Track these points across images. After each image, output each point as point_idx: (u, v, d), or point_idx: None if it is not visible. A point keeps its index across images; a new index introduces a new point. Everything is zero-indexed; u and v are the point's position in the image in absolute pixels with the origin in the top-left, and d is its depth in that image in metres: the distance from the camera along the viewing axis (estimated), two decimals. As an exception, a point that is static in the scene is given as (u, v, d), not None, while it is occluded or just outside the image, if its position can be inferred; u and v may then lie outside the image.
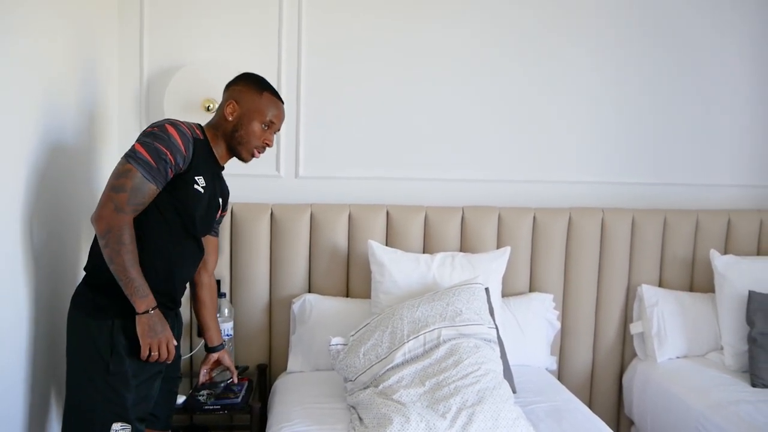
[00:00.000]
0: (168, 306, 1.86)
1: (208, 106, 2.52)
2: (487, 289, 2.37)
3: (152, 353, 1.72)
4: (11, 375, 1.78)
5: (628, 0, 2.86)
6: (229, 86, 1.96)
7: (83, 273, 2.27)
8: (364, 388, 2.12)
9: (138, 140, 1.74)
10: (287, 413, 2.13)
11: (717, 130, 3.00)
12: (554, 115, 2.86)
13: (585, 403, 2.37)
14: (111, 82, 2.55)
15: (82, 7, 2.21)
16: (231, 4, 2.63)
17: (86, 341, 1.72)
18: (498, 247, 2.72)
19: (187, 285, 2.07)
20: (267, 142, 1.93)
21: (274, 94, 1.95)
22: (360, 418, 2.02)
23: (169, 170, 1.73)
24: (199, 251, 1.94)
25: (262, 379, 2.60)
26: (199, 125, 1.91)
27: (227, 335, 2.45)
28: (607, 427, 2.09)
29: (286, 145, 2.72)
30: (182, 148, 1.74)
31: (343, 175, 2.77)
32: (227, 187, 2.10)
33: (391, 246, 2.64)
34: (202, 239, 1.97)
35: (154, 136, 1.72)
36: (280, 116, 1.96)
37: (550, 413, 2.15)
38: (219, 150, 1.93)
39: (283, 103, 1.98)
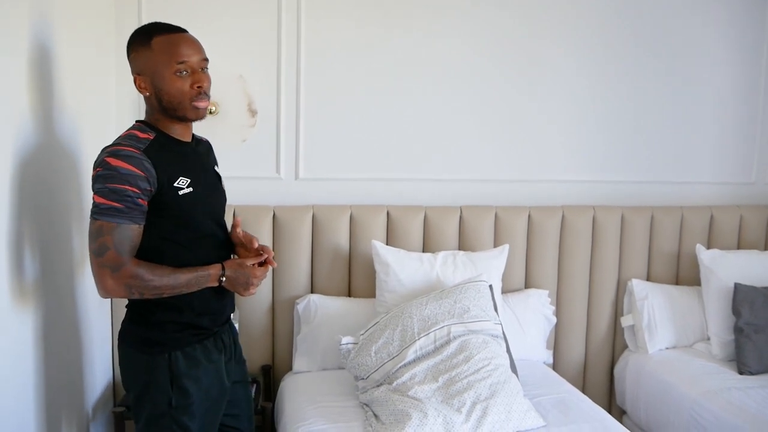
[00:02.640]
0: (220, 323, 1.77)
1: (211, 110, 2.53)
2: (490, 286, 2.43)
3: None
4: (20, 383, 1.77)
5: (613, 4, 2.96)
6: (129, 61, 1.68)
7: (81, 276, 2.23)
8: (378, 386, 2.17)
9: (93, 191, 1.56)
10: (300, 413, 2.16)
11: (700, 131, 3.13)
12: (547, 118, 2.95)
13: (579, 395, 2.46)
14: (108, 86, 2.53)
15: (78, 7, 2.18)
16: (230, 8, 2.64)
17: (144, 378, 1.65)
18: (495, 245, 2.79)
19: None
20: (197, 85, 1.63)
21: (165, 30, 1.64)
22: (375, 415, 2.07)
23: (139, 200, 1.54)
24: (227, 241, 1.79)
25: (266, 380, 2.62)
26: (142, 122, 1.68)
27: (233, 337, 2.46)
28: (611, 417, 2.18)
29: (286, 146, 2.74)
30: (137, 171, 1.53)
31: (342, 177, 2.80)
32: (208, 145, 1.88)
33: (392, 245, 2.68)
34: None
35: (103, 178, 1.52)
36: (188, 51, 1.63)
37: (556, 405, 2.23)
38: (173, 129, 1.68)
39: (183, 30, 1.67)
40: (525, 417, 2.02)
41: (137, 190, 1.53)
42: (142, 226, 1.58)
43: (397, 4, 2.77)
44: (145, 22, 2.55)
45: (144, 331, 1.67)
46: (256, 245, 1.77)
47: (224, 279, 1.67)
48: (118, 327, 2.49)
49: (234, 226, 1.80)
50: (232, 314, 1.87)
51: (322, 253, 2.69)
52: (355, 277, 2.71)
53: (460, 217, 2.78)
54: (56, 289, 1.98)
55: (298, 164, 2.76)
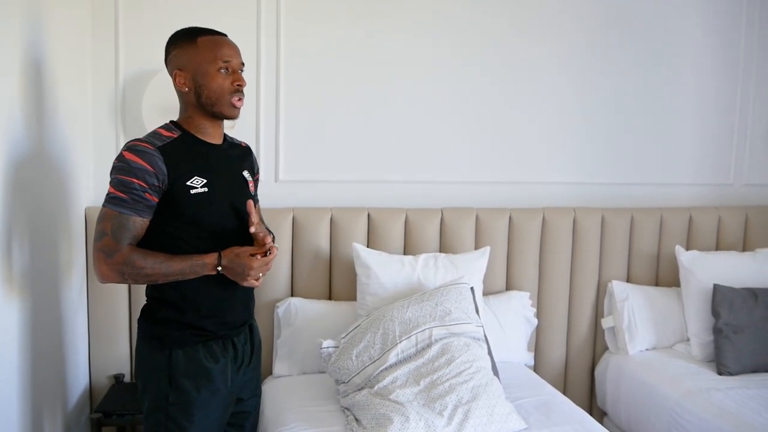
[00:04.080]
0: (230, 327, 1.74)
1: (189, 111, 2.49)
2: (472, 289, 2.43)
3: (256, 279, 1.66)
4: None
5: (593, 7, 2.98)
6: (165, 61, 1.75)
7: (66, 276, 2.23)
8: (359, 390, 2.14)
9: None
10: (281, 417, 2.13)
11: (678, 133, 3.16)
12: (528, 120, 2.96)
13: (560, 397, 2.45)
14: (84, 87, 2.48)
15: (56, 6, 2.13)
16: (208, 9, 2.60)
17: (148, 372, 1.68)
18: (476, 247, 2.79)
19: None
20: (237, 84, 1.69)
21: (210, 33, 1.71)
22: (357, 420, 2.05)
23: (146, 195, 1.58)
24: (243, 244, 1.69)
25: (246, 385, 2.58)
26: (172, 122, 1.73)
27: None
28: (593, 419, 2.18)
29: (265, 148, 2.71)
30: (147, 166, 1.58)
31: (322, 179, 2.78)
32: (245, 150, 1.89)
33: (373, 248, 2.67)
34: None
35: (116, 169, 1.60)
36: (231, 52, 1.70)
37: (538, 407, 2.22)
38: (204, 129, 1.71)
39: (225, 35, 1.74)
40: (507, 420, 2.01)
41: (144, 184, 1.58)
42: (146, 220, 1.61)
43: (377, 7, 2.75)
44: (121, 23, 2.54)
45: (150, 326, 1.71)
46: (266, 244, 1.68)
47: (221, 268, 1.64)
48: (94, 331, 2.50)
49: (250, 223, 1.69)
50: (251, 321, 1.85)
51: (302, 256, 2.66)
52: (335, 280, 2.69)
53: (441, 219, 2.77)
54: (41, 288, 1.98)
55: (278, 166, 2.73)
